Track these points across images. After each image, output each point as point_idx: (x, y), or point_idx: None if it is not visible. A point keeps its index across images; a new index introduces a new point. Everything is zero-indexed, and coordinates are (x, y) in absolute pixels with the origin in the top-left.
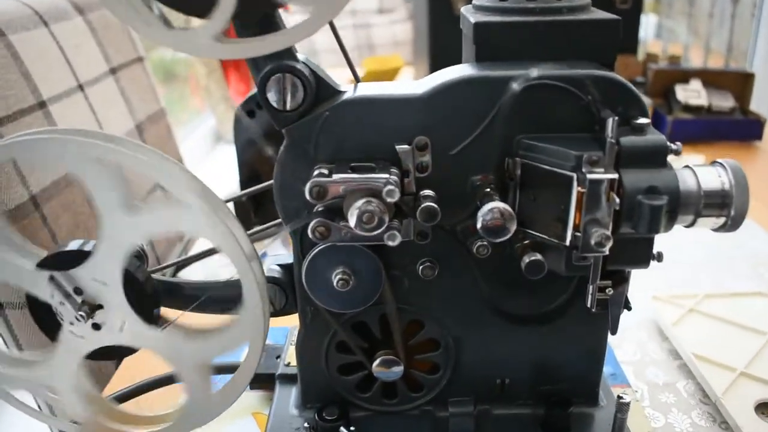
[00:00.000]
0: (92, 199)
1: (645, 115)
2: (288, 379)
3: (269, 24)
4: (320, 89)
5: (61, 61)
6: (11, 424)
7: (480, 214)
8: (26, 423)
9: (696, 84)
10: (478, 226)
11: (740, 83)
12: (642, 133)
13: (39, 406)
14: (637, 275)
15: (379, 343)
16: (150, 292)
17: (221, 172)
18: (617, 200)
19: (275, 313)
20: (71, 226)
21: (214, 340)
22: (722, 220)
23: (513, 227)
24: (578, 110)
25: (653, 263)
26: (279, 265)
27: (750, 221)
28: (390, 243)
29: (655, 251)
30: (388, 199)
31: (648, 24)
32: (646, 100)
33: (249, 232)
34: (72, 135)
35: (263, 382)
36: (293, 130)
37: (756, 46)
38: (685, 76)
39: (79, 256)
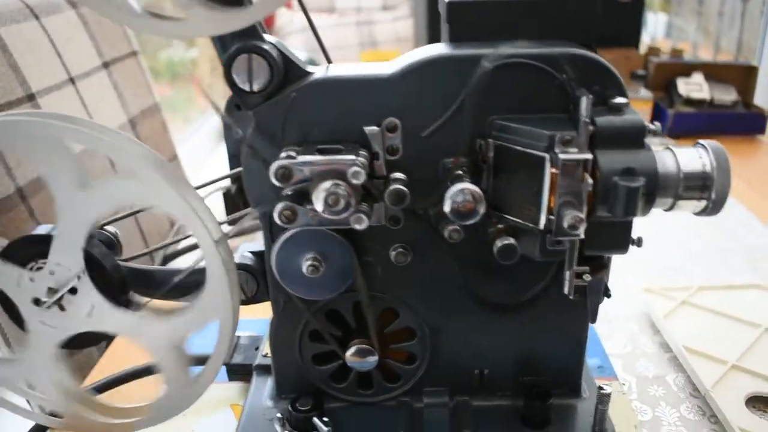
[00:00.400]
0: (45, 180)
1: (623, 95)
2: (265, 370)
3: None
4: (289, 71)
5: (51, 54)
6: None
7: (448, 195)
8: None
9: (698, 77)
10: (447, 208)
11: (743, 76)
12: (619, 112)
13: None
14: (630, 267)
15: (354, 332)
16: (117, 277)
17: (225, 169)
18: (590, 181)
19: (246, 301)
20: None
21: (182, 319)
22: (703, 203)
23: (482, 209)
24: (553, 90)
25: (645, 254)
26: (251, 252)
27: (748, 213)
28: (357, 226)
29: (634, 236)
30: (354, 181)
31: (657, 23)
32: (647, 94)
33: (224, 219)
34: (24, 116)
35: (242, 373)
36: (260, 112)
37: (764, 42)
38: (687, 70)
39: (44, 242)
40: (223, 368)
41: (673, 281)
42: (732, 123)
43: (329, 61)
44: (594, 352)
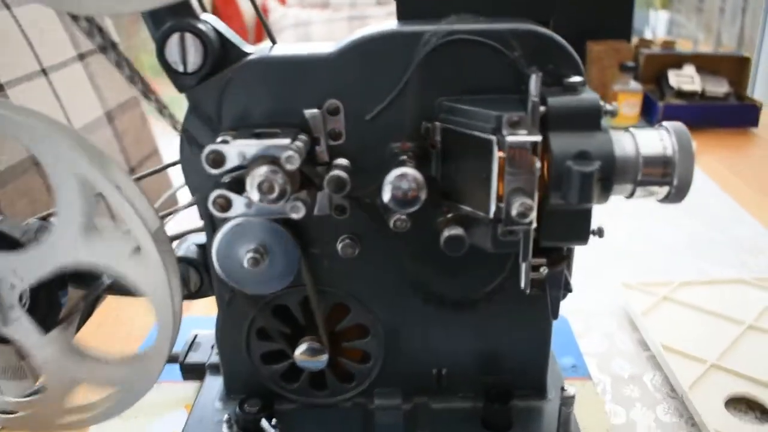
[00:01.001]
0: None
1: (579, 73)
2: (218, 369)
3: None
4: (226, 51)
5: (22, 44)
6: None
7: (387, 181)
8: None
9: (689, 69)
10: (386, 196)
11: (736, 68)
12: (574, 92)
13: None
14: (609, 260)
15: (304, 329)
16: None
17: None
18: (538, 165)
19: (190, 296)
20: (28, 213)
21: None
22: (665, 189)
23: (423, 196)
24: (504, 69)
25: (626, 246)
26: (197, 244)
27: (736, 206)
28: (294, 215)
29: (594, 226)
30: (288, 167)
31: (659, 20)
32: (637, 86)
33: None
34: None
35: (197, 372)
36: (195, 95)
37: (764, 36)
38: (678, 61)
39: None
40: (178, 367)
41: (655, 276)
42: (724, 115)
43: (273, 42)
44: (567, 350)
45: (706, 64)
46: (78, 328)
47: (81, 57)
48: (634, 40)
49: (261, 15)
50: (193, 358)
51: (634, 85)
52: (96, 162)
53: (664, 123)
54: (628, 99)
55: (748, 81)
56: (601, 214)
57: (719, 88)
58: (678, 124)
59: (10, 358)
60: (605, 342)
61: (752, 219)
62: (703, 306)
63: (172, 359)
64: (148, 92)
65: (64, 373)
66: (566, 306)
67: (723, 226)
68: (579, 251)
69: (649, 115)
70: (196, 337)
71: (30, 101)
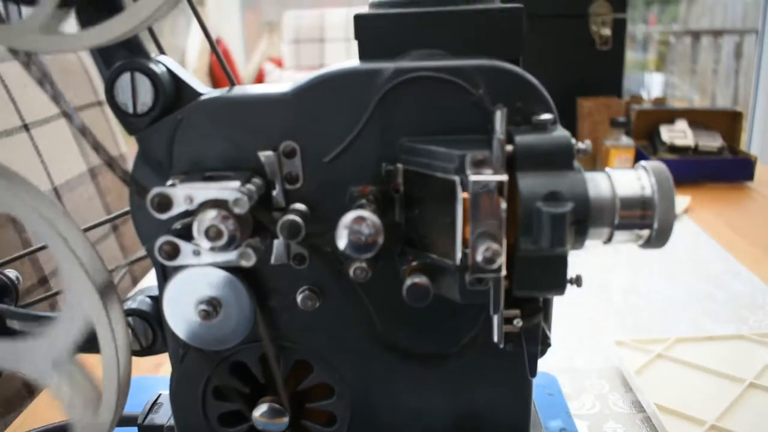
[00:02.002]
0: None
1: (549, 111)
2: None
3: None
4: (179, 92)
5: (4, 99)
6: None
7: (341, 225)
8: None
9: (681, 124)
10: (341, 242)
11: (729, 122)
12: (544, 130)
13: None
14: (601, 316)
15: (265, 388)
16: None
17: None
18: (504, 206)
19: (141, 352)
20: None
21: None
22: (645, 233)
23: (381, 240)
24: (469, 108)
25: (620, 302)
26: (149, 296)
27: (734, 261)
28: (244, 263)
29: (573, 274)
30: (237, 210)
31: (653, 82)
32: (629, 141)
33: (125, 261)
34: None
35: None
36: (145, 137)
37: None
38: (670, 116)
39: None
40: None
41: (650, 333)
42: (719, 170)
43: (232, 84)
44: (556, 412)
45: (698, 119)
46: None
47: (65, 114)
48: (626, 97)
49: (221, 59)
50: (154, 419)
51: (625, 140)
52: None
53: (642, 162)
54: (619, 154)
55: (742, 135)
56: (593, 269)
57: (713, 142)
58: (657, 163)
59: None
60: (597, 403)
61: (750, 274)
62: (701, 363)
63: (130, 421)
64: (111, 162)
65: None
66: (555, 365)
67: (720, 281)
68: (570, 307)
69: None
70: (159, 396)
71: (10, 156)
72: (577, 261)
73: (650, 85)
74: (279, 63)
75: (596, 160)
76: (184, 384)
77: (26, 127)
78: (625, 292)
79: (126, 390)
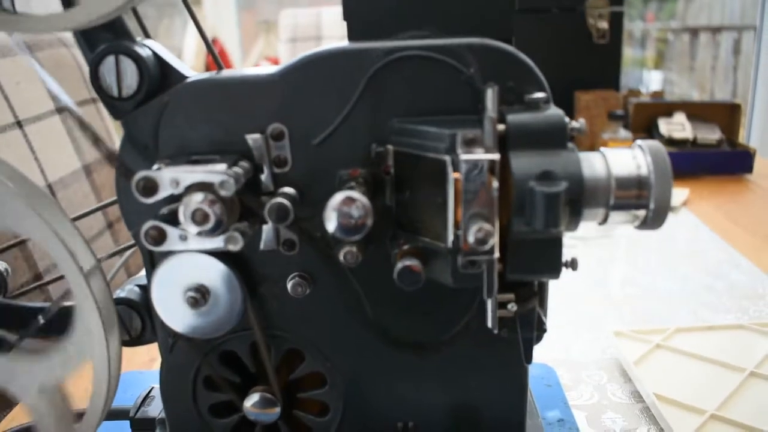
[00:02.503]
0: None
1: (542, 89)
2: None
3: None
4: (165, 75)
5: None
6: None
7: (329, 206)
8: None
9: (680, 117)
10: (330, 224)
11: (727, 115)
12: (537, 109)
13: None
14: (600, 307)
15: (256, 378)
16: None
17: None
18: (496, 185)
19: (131, 342)
20: None
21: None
22: (642, 213)
23: (369, 221)
24: (460, 88)
25: (618, 293)
26: (138, 285)
27: (734, 251)
28: (231, 248)
29: (568, 257)
30: (223, 193)
31: (652, 80)
32: (627, 134)
33: (113, 251)
34: None
35: (148, 428)
36: (131, 121)
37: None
38: (668, 110)
39: None
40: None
41: (649, 324)
42: (717, 162)
43: (220, 68)
44: (554, 403)
45: (696, 112)
46: None
47: (59, 110)
48: (624, 90)
49: (216, 58)
50: (146, 412)
51: (623, 133)
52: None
53: (638, 141)
54: (618, 147)
55: (740, 127)
56: (592, 260)
57: (711, 135)
58: (653, 142)
59: None
60: (596, 394)
61: (750, 264)
62: (700, 353)
63: (122, 414)
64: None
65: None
66: (553, 356)
67: (720, 272)
68: (568, 299)
69: None
70: (151, 390)
71: (3, 153)
72: (574, 253)
73: (648, 82)
74: (276, 62)
75: None
76: (174, 375)
77: (19, 123)
78: (624, 283)
79: (116, 379)
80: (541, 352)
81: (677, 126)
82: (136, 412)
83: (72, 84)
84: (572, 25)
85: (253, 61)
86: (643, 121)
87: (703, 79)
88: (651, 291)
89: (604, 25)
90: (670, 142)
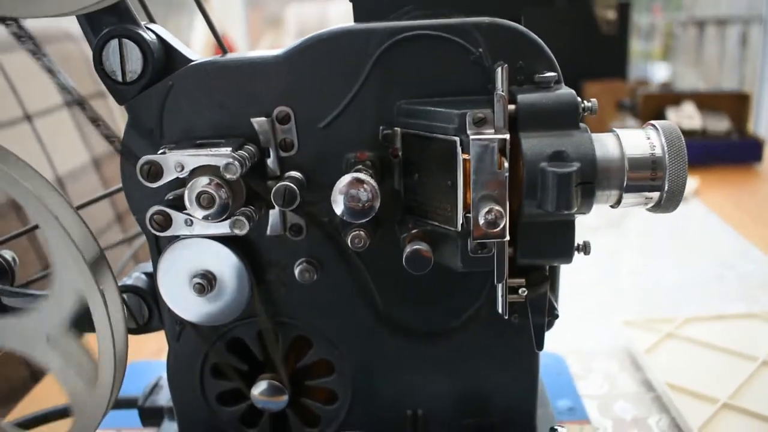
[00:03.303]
0: None
1: (552, 69)
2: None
3: None
4: (169, 59)
5: (5, 90)
6: None
7: (336, 189)
8: None
9: (689, 107)
10: (338, 207)
11: (736, 105)
12: (547, 89)
13: None
14: (610, 296)
15: (263, 366)
16: None
17: None
18: (506, 166)
19: (138, 330)
20: None
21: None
22: (656, 195)
23: (377, 204)
24: (469, 68)
25: (629, 283)
26: (145, 273)
27: (744, 241)
28: (237, 232)
29: (580, 241)
30: (228, 176)
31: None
32: (635, 124)
33: (116, 241)
34: None
35: (157, 417)
36: (135, 106)
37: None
38: (677, 100)
39: None
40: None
41: (660, 313)
42: (727, 152)
43: (224, 51)
44: (564, 392)
45: (705, 102)
46: None
47: (68, 103)
48: (632, 81)
49: (214, 29)
50: (154, 401)
51: (632, 123)
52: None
53: (652, 121)
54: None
55: (750, 117)
56: (602, 249)
57: (720, 124)
58: (667, 123)
59: None
60: (606, 383)
61: (760, 253)
62: (712, 342)
63: (130, 403)
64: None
65: None
66: (563, 346)
67: (730, 261)
68: (579, 289)
69: None
70: (160, 379)
71: (12, 146)
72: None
73: (655, 74)
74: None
75: None
76: (182, 363)
77: (28, 117)
78: (634, 273)
79: (123, 367)
80: (551, 342)
81: (686, 116)
82: (145, 401)
83: (79, 78)
84: (580, 15)
85: None
86: (651, 111)
87: (710, 71)
88: (661, 280)
89: (612, 15)
90: None
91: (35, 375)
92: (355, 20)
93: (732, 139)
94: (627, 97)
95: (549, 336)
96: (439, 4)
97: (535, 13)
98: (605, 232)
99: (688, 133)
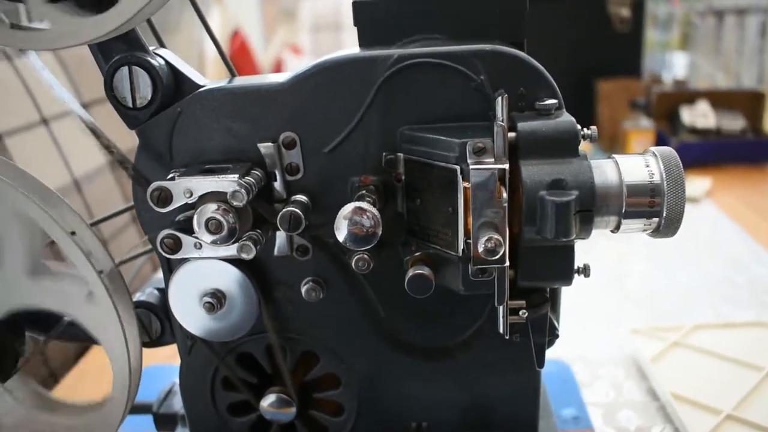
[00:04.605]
0: None
1: (553, 96)
2: None
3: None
4: (178, 84)
5: (22, 94)
6: None
7: (339, 216)
8: None
9: (703, 105)
10: (340, 235)
11: (751, 103)
12: (548, 116)
13: None
14: (617, 303)
15: (272, 379)
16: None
17: None
18: (505, 196)
19: (151, 344)
20: None
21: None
22: (654, 221)
23: (379, 232)
24: (470, 95)
25: (636, 288)
26: (157, 288)
27: (755, 244)
28: (244, 256)
29: (580, 263)
30: (234, 203)
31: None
32: (649, 123)
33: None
34: None
35: (171, 423)
36: (145, 131)
37: None
38: (691, 98)
39: None
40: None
41: (668, 320)
42: (741, 151)
43: (233, 74)
44: (569, 400)
45: (720, 100)
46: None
47: (84, 106)
48: (646, 78)
49: (220, 48)
50: (168, 407)
51: (645, 122)
52: (44, 203)
53: (651, 148)
54: (639, 137)
55: (765, 116)
56: (610, 255)
57: (735, 123)
58: (666, 149)
59: None
60: (611, 392)
61: None
62: (719, 351)
63: (145, 409)
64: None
65: (24, 423)
66: (569, 353)
67: (741, 265)
68: (585, 295)
69: None
70: (174, 385)
71: (29, 150)
72: (593, 247)
73: (673, 65)
74: (297, 51)
75: (615, 143)
76: (193, 375)
77: (44, 121)
78: (643, 278)
79: (137, 379)
80: (557, 349)
81: (700, 114)
82: (159, 407)
83: (94, 82)
84: (593, 12)
85: (275, 51)
86: (665, 109)
87: (728, 62)
88: (670, 285)
89: (626, 12)
90: (692, 131)
91: (77, 355)
92: (360, 44)
93: (747, 138)
94: (641, 95)
95: (556, 343)
96: (442, 31)
97: (548, 11)
98: (614, 235)
99: (702, 132)
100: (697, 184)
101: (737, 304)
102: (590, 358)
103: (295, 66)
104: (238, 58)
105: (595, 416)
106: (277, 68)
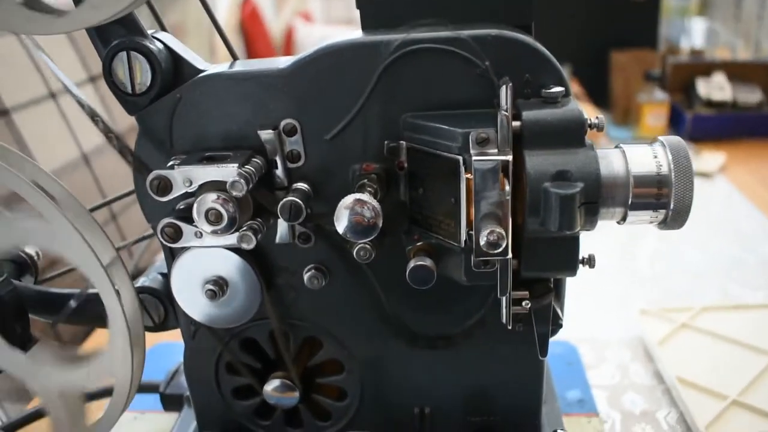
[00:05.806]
0: None
1: (561, 83)
2: None
3: None
4: (178, 70)
5: (29, 68)
6: None
7: (339, 208)
8: None
9: (719, 77)
10: (340, 226)
11: None
12: (554, 105)
13: None
14: (627, 284)
15: (276, 364)
16: (10, 302)
17: None
18: (508, 188)
19: (155, 328)
20: None
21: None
22: (661, 213)
23: (379, 223)
24: (474, 81)
25: (646, 269)
26: (161, 273)
27: (765, 222)
28: (244, 246)
29: (585, 254)
30: (234, 193)
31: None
32: (663, 96)
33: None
34: None
35: (178, 403)
36: (145, 117)
37: None
38: (707, 70)
39: None
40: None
41: (678, 301)
42: (757, 125)
43: (234, 58)
44: (574, 382)
45: (737, 72)
46: None
47: (92, 79)
48: (662, 47)
49: (220, 29)
50: (174, 388)
51: (660, 95)
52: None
53: (660, 137)
54: (653, 110)
55: None
56: (620, 235)
57: (752, 96)
58: (675, 139)
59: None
60: (617, 374)
61: None
62: (727, 334)
63: (152, 388)
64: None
65: (56, 384)
66: (577, 334)
67: (754, 244)
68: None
69: (677, 126)
70: (180, 365)
71: (37, 125)
72: (602, 224)
73: (691, 31)
74: (308, 18)
75: (629, 117)
76: (197, 359)
77: (52, 95)
78: (652, 258)
79: (141, 362)
80: (564, 330)
81: (716, 87)
82: (166, 387)
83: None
84: None
85: (286, 18)
86: (680, 81)
87: (748, 29)
88: (680, 265)
89: None
90: (708, 103)
91: (87, 332)
92: (363, 27)
93: (764, 111)
94: (656, 66)
95: (564, 324)
96: (447, 12)
97: None
98: None
99: (717, 105)
100: (710, 158)
101: (746, 284)
102: (597, 340)
103: (306, 34)
104: (248, 25)
105: (600, 399)
106: (288, 35)
